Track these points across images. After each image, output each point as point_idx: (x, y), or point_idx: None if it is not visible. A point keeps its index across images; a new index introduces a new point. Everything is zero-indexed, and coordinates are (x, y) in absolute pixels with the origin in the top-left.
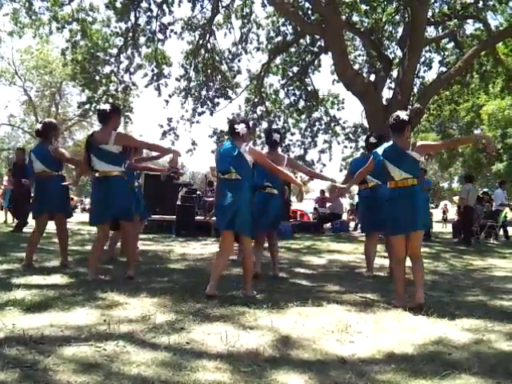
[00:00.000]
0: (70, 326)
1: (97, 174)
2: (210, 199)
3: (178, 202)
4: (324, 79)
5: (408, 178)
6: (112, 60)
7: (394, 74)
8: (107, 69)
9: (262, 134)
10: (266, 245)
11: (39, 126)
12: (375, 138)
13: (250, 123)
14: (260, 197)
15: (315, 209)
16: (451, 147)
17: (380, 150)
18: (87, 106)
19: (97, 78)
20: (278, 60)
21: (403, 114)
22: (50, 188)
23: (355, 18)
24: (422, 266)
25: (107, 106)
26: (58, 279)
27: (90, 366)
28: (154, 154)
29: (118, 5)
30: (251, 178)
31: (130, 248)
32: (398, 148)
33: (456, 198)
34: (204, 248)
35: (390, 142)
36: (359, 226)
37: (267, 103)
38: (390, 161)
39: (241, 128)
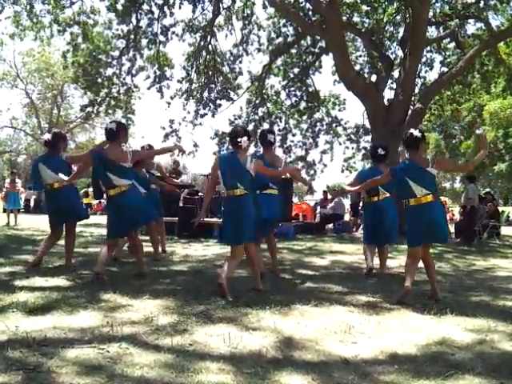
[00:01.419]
0: (73, 328)
1: (112, 192)
2: None
3: (180, 204)
4: (325, 80)
5: (428, 194)
6: (114, 62)
7: (396, 74)
8: (109, 71)
9: None
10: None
11: (49, 136)
12: (383, 149)
13: (251, 124)
14: (262, 199)
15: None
16: (467, 170)
17: (400, 169)
18: (89, 109)
19: (99, 80)
20: (279, 61)
21: (416, 132)
22: (63, 198)
23: (356, 19)
24: (433, 263)
25: (114, 125)
26: (60, 281)
27: (93, 368)
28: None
29: (120, 7)
30: (255, 190)
31: (139, 254)
32: (417, 166)
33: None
34: (206, 249)
35: (407, 161)
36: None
37: (268, 104)
38: (412, 179)
39: (243, 141)
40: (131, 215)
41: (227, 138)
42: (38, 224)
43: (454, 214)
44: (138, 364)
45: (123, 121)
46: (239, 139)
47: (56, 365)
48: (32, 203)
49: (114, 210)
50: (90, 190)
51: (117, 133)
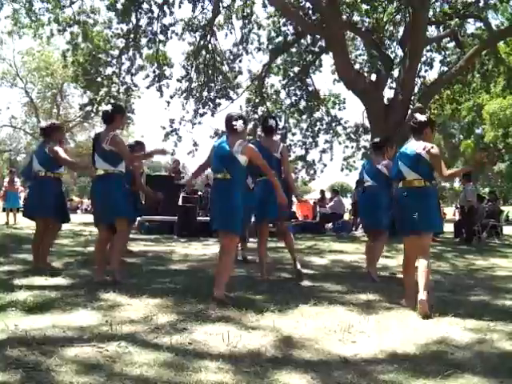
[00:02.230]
0: (73, 326)
1: (97, 172)
2: None
3: (180, 203)
4: (325, 79)
5: (417, 179)
6: (113, 61)
7: (395, 73)
8: (109, 70)
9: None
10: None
11: (44, 124)
12: (379, 140)
13: (251, 123)
14: (262, 184)
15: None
16: (444, 177)
17: (399, 152)
18: (89, 108)
19: (98, 79)
20: (278, 60)
21: (422, 117)
22: (44, 189)
23: (356, 18)
24: (427, 267)
25: (109, 107)
26: (59, 280)
27: (92, 366)
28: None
29: (119, 6)
30: (243, 177)
31: (116, 247)
32: (413, 149)
33: None
34: (206, 248)
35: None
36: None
37: (268, 103)
38: (403, 161)
39: (239, 125)
40: (107, 203)
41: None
42: None
43: (445, 214)
44: (137, 363)
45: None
46: (234, 122)
47: (55, 363)
48: None
49: (94, 194)
50: None
51: (112, 116)
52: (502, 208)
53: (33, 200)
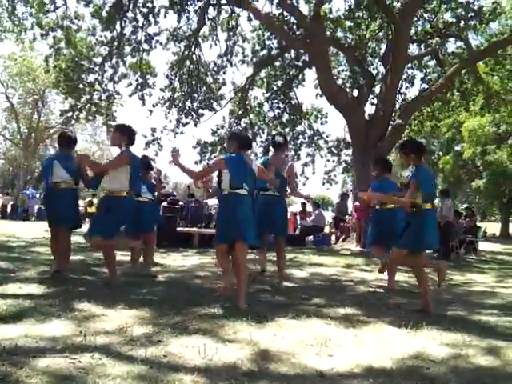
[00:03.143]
0: (46, 337)
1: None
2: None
3: (160, 213)
4: (308, 93)
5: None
6: (96, 69)
7: (377, 89)
8: (91, 77)
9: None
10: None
11: (72, 133)
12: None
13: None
14: (263, 199)
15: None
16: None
17: (423, 172)
18: (70, 114)
19: (80, 86)
20: (262, 73)
21: (422, 140)
22: (67, 200)
23: (339, 34)
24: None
25: (134, 129)
26: (34, 289)
27: (64, 378)
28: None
29: (104, 14)
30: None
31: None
32: (430, 171)
33: None
34: (185, 260)
35: (415, 167)
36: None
37: (251, 116)
38: (434, 184)
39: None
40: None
41: (209, 148)
42: (13, 230)
43: None
44: (110, 375)
45: (104, 127)
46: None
47: (26, 374)
48: (9, 209)
49: (105, 209)
50: (95, 200)
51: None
52: (479, 224)
53: (59, 210)
